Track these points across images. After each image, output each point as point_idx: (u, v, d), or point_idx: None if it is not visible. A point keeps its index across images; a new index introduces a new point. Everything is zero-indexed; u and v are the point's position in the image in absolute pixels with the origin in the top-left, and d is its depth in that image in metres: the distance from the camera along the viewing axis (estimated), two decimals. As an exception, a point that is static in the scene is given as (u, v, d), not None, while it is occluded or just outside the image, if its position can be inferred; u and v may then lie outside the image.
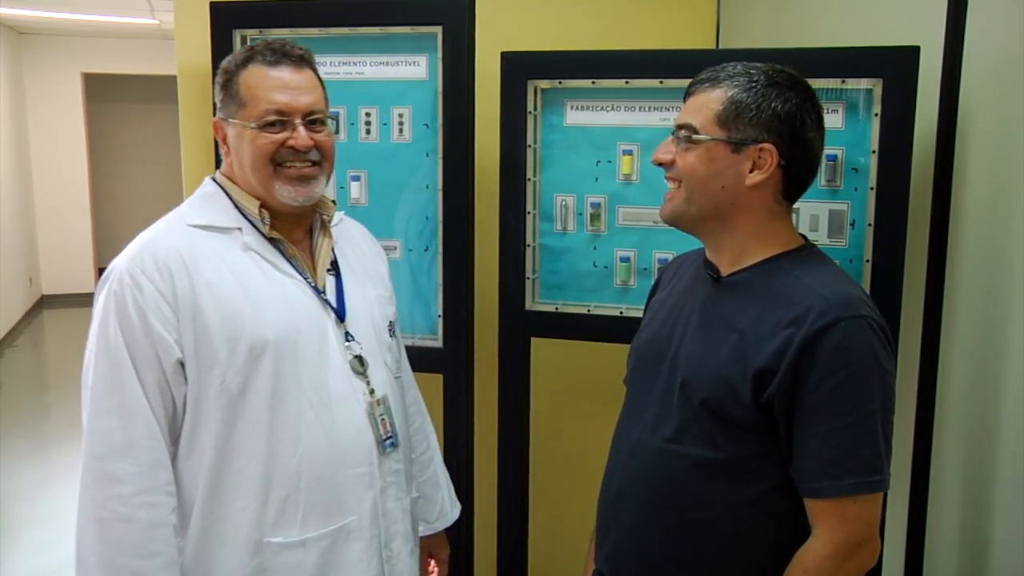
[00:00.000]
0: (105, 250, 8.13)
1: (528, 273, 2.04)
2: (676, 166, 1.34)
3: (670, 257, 1.96)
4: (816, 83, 1.65)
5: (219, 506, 1.42)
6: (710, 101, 1.31)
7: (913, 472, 1.61)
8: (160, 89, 8.27)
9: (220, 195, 1.51)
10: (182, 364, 1.39)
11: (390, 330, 1.64)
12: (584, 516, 2.67)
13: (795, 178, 1.32)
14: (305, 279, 1.50)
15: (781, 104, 1.28)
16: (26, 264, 8.01)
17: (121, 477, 1.35)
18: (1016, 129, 1.43)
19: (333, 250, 1.58)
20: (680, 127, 1.34)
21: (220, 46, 2.12)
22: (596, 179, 1.99)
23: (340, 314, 1.52)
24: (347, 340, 1.52)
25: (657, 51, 1.97)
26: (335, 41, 2.12)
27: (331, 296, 1.53)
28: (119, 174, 9.67)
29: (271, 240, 1.49)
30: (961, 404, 1.58)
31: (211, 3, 2.12)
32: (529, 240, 2.03)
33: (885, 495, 1.26)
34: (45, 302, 8.45)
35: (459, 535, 2.16)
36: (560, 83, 1.98)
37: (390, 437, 1.53)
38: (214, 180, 1.54)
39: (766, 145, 1.28)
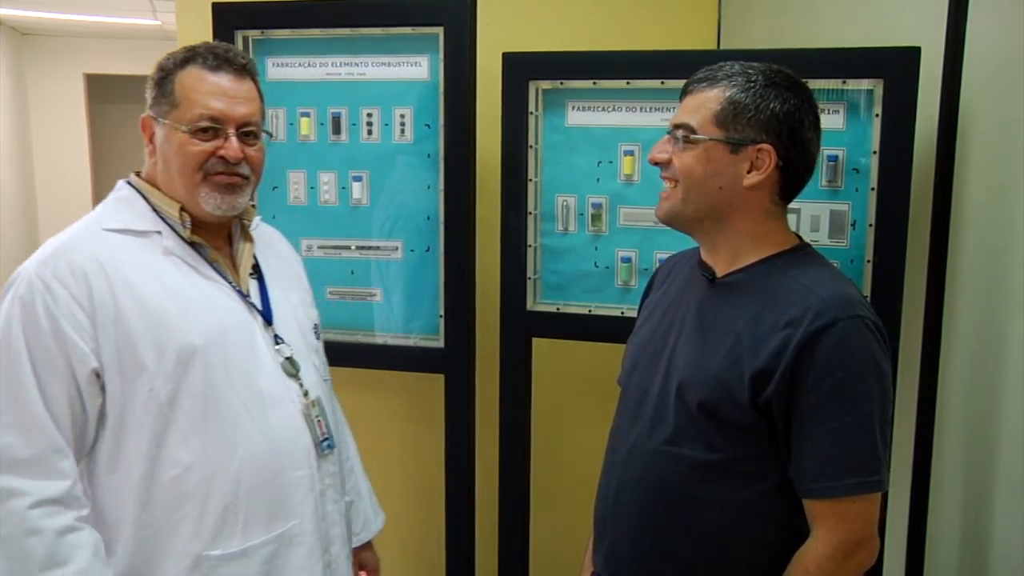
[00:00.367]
0: (107, 251, 8.11)
1: (529, 273, 2.04)
2: (673, 166, 1.33)
3: (671, 257, 1.97)
4: (817, 84, 1.66)
5: (153, 520, 1.36)
6: (708, 101, 1.30)
7: (914, 472, 1.61)
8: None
9: (136, 198, 1.46)
10: (98, 374, 1.33)
11: (315, 332, 1.63)
12: (586, 517, 2.67)
13: (792, 178, 1.32)
14: (229, 283, 1.47)
15: (780, 104, 1.28)
16: (28, 265, 8.01)
17: (22, 490, 1.28)
18: (1016, 129, 1.43)
19: (255, 254, 1.55)
20: (677, 127, 1.33)
21: (222, 47, 2.12)
22: (597, 179, 2.00)
23: (267, 317, 1.50)
24: (276, 343, 1.49)
25: (658, 52, 1.97)
26: (337, 42, 2.12)
27: (256, 300, 1.51)
28: (121, 174, 9.59)
29: (192, 244, 1.45)
30: (962, 404, 1.58)
31: (213, 4, 2.13)
32: (530, 240, 2.03)
33: (885, 494, 1.27)
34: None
35: (460, 535, 2.17)
36: (561, 84, 1.99)
37: (327, 438, 1.51)
38: (129, 183, 1.49)
39: (764, 145, 1.28)
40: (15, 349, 1.31)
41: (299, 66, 2.14)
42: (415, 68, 2.09)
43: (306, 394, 1.49)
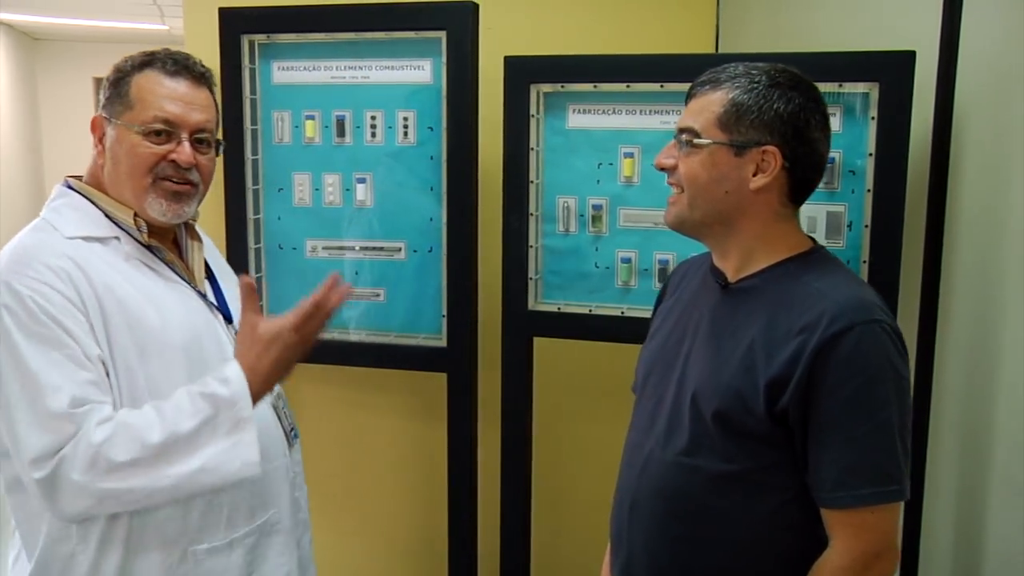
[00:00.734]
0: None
1: (530, 274, 2.06)
2: (678, 171, 1.31)
3: (671, 258, 1.99)
4: (813, 87, 1.67)
5: (140, 516, 1.36)
6: (711, 104, 1.28)
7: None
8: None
9: (86, 204, 1.43)
10: (103, 362, 1.32)
11: None
12: (587, 516, 2.69)
13: (801, 180, 1.28)
14: (188, 284, 1.48)
15: (784, 105, 1.25)
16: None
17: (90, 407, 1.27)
18: (1010, 132, 1.45)
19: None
20: (681, 131, 1.31)
21: (229, 51, 2.16)
22: (597, 181, 2.02)
23: (227, 315, 1.53)
24: None
25: (657, 55, 1.99)
26: (342, 46, 2.15)
27: (213, 299, 1.52)
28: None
29: (148, 248, 1.44)
30: (956, 404, 1.60)
31: (220, 9, 2.16)
32: (531, 241, 2.06)
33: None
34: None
35: (462, 534, 2.19)
36: (562, 87, 2.01)
37: (293, 428, 1.55)
38: (71, 188, 1.46)
39: (769, 147, 1.25)
40: (19, 342, 1.27)
41: (304, 70, 2.17)
42: (418, 72, 2.11)
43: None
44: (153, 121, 1.39)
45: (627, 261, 2.03)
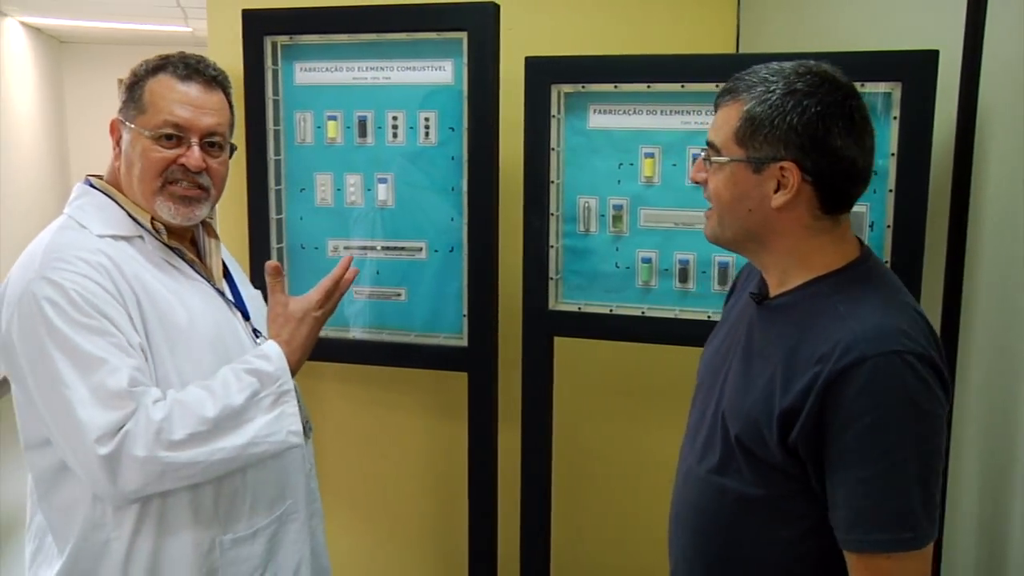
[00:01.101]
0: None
1: (551, 274, 2.07)
2: (708, 188, 1.27)
3: (691, 258, 1.99)
4: (834, 86, 1.66)
5: (172, 508, 1.41)
6: (729, 117, 1.22)
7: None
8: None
9: (110, 203, 1.46)
10: (143, 351, 1.37)
11: None
12: (607, 515, 2.69)
13: (831, 190, 1.20)
14: (209, 283, 1.52)
15: (798, 116, 1.16)
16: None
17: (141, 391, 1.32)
18: (1034, 131, 1.44)
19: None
20: (707, 145, 1.27)
21: (252, 52, 2.18)
22: (618, 181, 2.02)
23: (245, 313, 1.57)
24: (256, 336, 1.56)
25: (678, 55, 1.99)
26: (363, 47, 2.16)
27: (231, 297, 1.57)
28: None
29: (171, 248, 1.48)
30: (979, 404, 1.59)
31: (243, 11, 2.18)
32: (552, 241, 2.06)
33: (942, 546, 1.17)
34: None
35: (482, 531, 2.20)
36: (583, 87, 2.01)
37: (307, 421, 1.57)
38: (94, 187, 1.49)
39: (786, 163, 1.17)
40: (70, 332, 1.29)
41: (326, 71, 2.19)
42: (440, 72, 2.13)
43: None
44: (163, 125, 1.41)
45: (647, 261, 2.03)
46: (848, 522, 1.13)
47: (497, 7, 2.05)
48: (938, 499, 1.15)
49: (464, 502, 2.22)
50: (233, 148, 1.53)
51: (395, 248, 2.21)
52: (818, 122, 1.17)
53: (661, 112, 1.97)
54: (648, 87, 1.96)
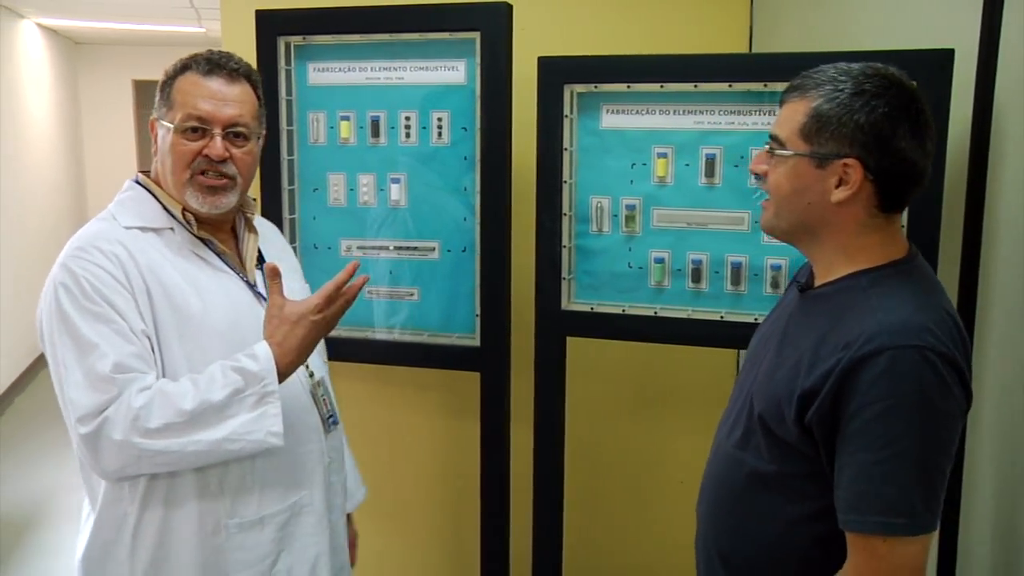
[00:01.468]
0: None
1: (564, 273, 2.07)
2: (768, 179, 1.30)
3: (704, 258, 1.99)
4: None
5: (177, 487, 1.46)
6: (796, 112, 1.26)
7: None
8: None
9: (147, 196, 1.54)
10: (147, 337, 1.43)
11: None
12: (619, 513, 2.69)
13: (890, 190, 1.23)
14: (237, 274, 1.56)
15: (865, 115, 1.20)
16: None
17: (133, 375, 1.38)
18: (1050, 130, 1.43)
19: (259, 246, 1.64)
20: (771, 139, 1.30)
21: (265, 53, 2.18)
22: (631, 181, 2.02)
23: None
24: None
25: (691, 55, 1.99)
26: (376, 47, 2.17)
27: (263, 289, 1.58)
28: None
29: (200, 239, 1.54)
30: (995, 403, 1.58)
31: (257, 11, 2.19)
32: (565, 241, 2.06)
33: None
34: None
35: (495, 530, 2.20)
36: (596, 87, 2.01)
37: (332, 415, 1.62)
38: (137, 183, 1.57)
39: (850, 160, 1.21)
40: (75, 317, 1.38)
41: (339, 71, 2.20)
42: (452, 72, 2.13)
43: (312, 375, 1.60)
44: (187, 119, 1.47)
45: (660, 261, 2.02)
46: (848, 503, 1.17)
47: (510, 7, 2.05)
48: (941, 494, 1.18)
49: (476, 501, 2.22)
50: (263, 137, 1.59)
51: (408, 248, 2.22)
52: (885, 122, 1.20)
53: (674, 112, 1.97)
54: (661, 87, 1.96)
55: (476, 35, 2.06)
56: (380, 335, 2.24)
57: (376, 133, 2.19)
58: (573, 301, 2.10)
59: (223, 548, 1.48)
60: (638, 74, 1.97)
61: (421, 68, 2.15)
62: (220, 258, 1.55)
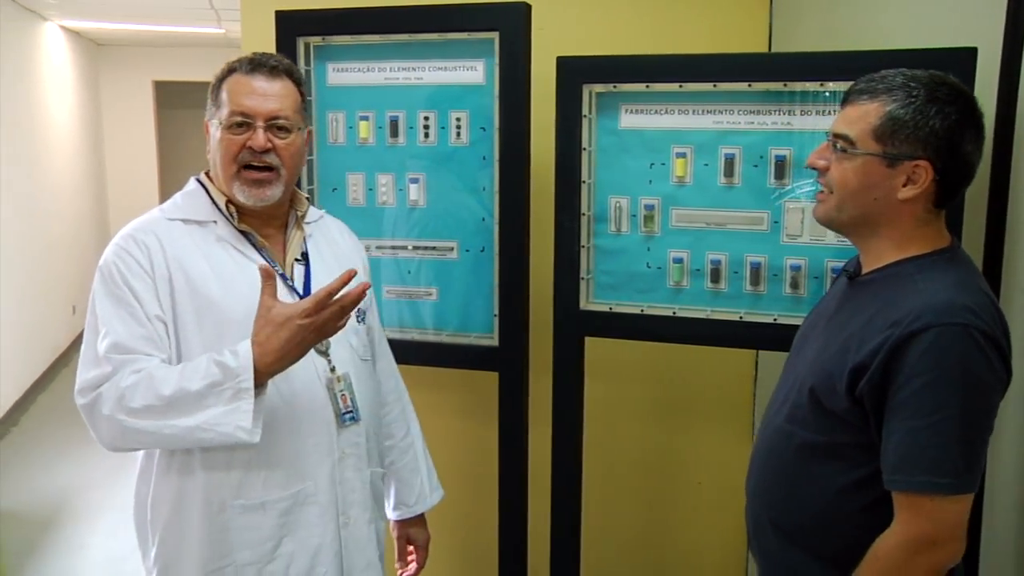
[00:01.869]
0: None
1: (582, 273, 2.07)
2: (830, 174, 1.38)
3: (723, 259, 1.98)
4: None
5: (188, 463, 1.55)
6: (867, 114, 1.33)
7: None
8: (227, 96, 8.51)
9: (200, 192, 1.65)
10: (160, 319, 1.53)
11: (358, 317, 1.73)
12: (636, 514, 2.69)
13: (948, 189, 1.34)
14: (272, 266, 1.59)
15: (940, 121, 1.29)
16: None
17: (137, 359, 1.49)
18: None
19: (305, 242, 1.70)
20: (837, 136, 1.37)
21: (285, 53, 2.18)
22: (650, 181, 2.01)
23: (303, 298, 1.60)
24: None
25: (710, 55, 1.98)
26: (395, 47, 2.18)
27: (299, 283, 1.64)
28: (187, 177, 9.92)
29: (242, 232, 1.62)
30: (1018, 402, 1.57)
31: (276, 12, 2.20)
32: (583, 241, 2.06)
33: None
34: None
35: (513, 530, 2.21)
36: (615, 87, 2.01)
37: (350, 411, 1.64)
38: (197, 179, 1.67)
39: (922, 162, 1.30)
40: (99, 299, 1.53)
41: (358, 71, 2.21)
42: (471, 72, 2.13)
43: (333, 369, 1.63)
44: (233, 115, 1.56)
45: (679, 261, 2.02)
46: (895, 465, 1.27)
47: (528, 7, 2.05)
48: (983, 459, 1.29)
49: (495, 501, 2.22)
50: (307, 131, 1.67)
51: (426, 248, 2.22)
52: (956, 128, 1.30)
53: (693, 112, 1.96)
54: (680, 86, 1.95)
55: (495, 35, 2.06)
56: (398, 335, 2.25)
57: (395, 133, 2.20)
58: (591, 301, 2.10)
59: (228, 526, 1.56)
60: (657, 74, 1.97)
61: (440, 68, 2.15)
62: (259, 251, 1.62)
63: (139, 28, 7.40)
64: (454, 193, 2.18)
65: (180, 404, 1.44)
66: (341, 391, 1.64)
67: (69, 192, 7.39)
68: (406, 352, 2.25)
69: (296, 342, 1.44)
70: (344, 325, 1.49)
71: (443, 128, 2.17)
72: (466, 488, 2.62)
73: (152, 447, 1.53)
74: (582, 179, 2.03)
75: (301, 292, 1.63)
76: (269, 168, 1.57)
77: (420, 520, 1.95)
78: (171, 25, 7.12)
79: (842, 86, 1.81)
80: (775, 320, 1.96)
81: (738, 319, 1.98)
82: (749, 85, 1.91)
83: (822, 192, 1.42)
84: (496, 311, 2.17)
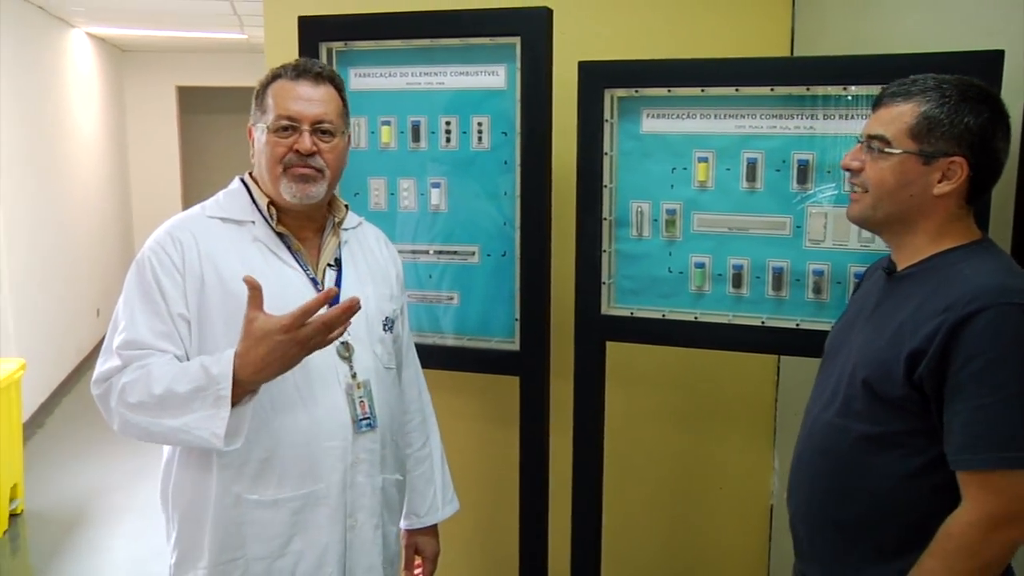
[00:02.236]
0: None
1: (604, 278, 2.06)
2: (865, 174, 1.43)
3: (745, 263, 1.98)
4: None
5: (206, 456, 1.58)
6: (902, 114, 1.38)
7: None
8: (248, 100, 8.55)
9: (242, 192, 1.69)
10: (184, 318, 1.57)
11: (385, 325, 1.74)
12: (657, 519, 2.68)
13: (980, 185, 1.39)
14: (304, 270, 1.65)
15: (974, 119, 1.35)
16: (125, 266, 8.38)
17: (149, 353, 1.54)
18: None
19: (340, 248, 1.71)
20: (872, 137, 1.42)
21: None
22: (671, 186, 2.01)
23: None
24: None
25: (732, 59, 1.97)
26: (417, 52, 2.18)
27: (326, 287, 1.65)
28: (210, 181, 10.00)
29: (279, 235, 1.65)
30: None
31: (299, 18, 2.22)
32: (605, 246, 2.06)
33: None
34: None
35: (533, 535, 2.20)
36: (636, 91, 2.01)
37: (367, 418, 1.65)
38: (241, 179, 1.71)
39: (957, 158, 1.35)
40: (128, 290, 1.59)
41: (380, 76, 2.22)
42: (492, 77, 2.14)
43: (354, 376, 1.64)
44: (279, 119, 1.61)
45: (701, 266, 2.01)
46: (961, 445, 1.29)
47: (550, 12, 2.05)
48: None
49: (515, 505, 2.22)
50: (347, 135, 1.71)
51: (448, 252, 2.23)
52: (988, 125, 1.36)
53: (715, 116, 1.96)
54: (702, 91, 1.95)
55: (516, 40, 2.07)
56: (419, 339, 2.25)
57: (416, 138, 2.21)
58: (613, 306, 2.10)
59: (242, 520, 1.59)
60: (679, 78, 1.97)
61: (461, 73, 2.16)
62: (293, 254, 1.64)
63: (163, 34, 7.48)
64: (476, 198, 2.19)
65: (168, 404, 1.48)
66: (360, 397, 1.65)
67: (94, 196, 7.47)
68: (427, 356, 2.24)
69: (277, 356, 1.44)
70: (336, 339, 1.48)
71: (465, 133, 2.17)
72: (486, 493, 2.62)
73: (149, 441, 1.56)
74: (604, 183, 2.03)
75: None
76: (313, 167, 1.61)
77: (431, 531, 1.94)
78: (194, 31, 7.18)
79: (865, 90, 1.81)
80: (797, 325, 1.95)
81: (760, 324, 1.97)
82: (771, 89, 1.90)
83: (856, 192, 1.46)
84: (517, 315, 2.17)
